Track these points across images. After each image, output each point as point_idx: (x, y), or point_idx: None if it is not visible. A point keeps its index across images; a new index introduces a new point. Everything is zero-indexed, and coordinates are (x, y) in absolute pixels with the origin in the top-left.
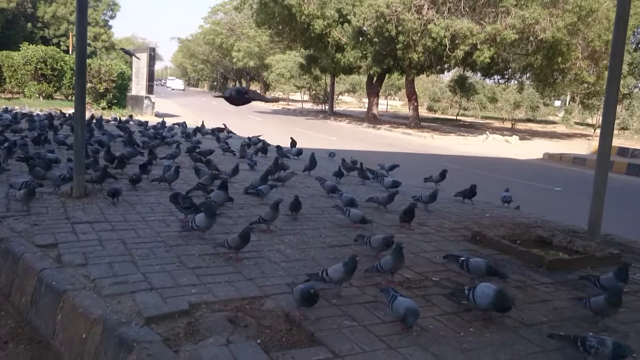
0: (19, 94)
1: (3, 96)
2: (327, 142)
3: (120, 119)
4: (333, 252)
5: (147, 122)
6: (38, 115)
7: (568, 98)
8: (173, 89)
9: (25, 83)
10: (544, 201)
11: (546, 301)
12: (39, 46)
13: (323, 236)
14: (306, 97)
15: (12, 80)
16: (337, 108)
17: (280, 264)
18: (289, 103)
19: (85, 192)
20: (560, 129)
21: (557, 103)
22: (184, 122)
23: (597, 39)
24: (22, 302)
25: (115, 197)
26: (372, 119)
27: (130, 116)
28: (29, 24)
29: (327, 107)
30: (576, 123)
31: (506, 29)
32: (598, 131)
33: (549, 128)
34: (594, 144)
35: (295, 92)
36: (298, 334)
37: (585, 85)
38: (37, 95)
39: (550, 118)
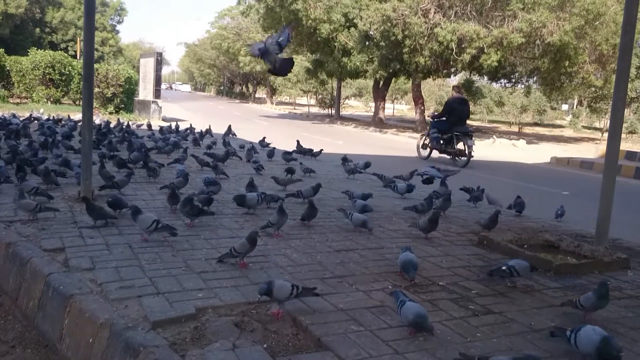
0: (27, 98)
1: (11, 101)
2: (334, 146)
3: (129, 123)
4: (339, 256)
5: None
6: (48, 119)
7: (575, 102)
8: (182, 91)
9: (33, 88)
10: (551, 205)
11: (554, 306)
12: (47, 51)
13: (329, 240)
14: (312, 102)
15: (21, 85)
16: (343, 112)
17: (286, 268)
18: (296, 107)
19: (93, 197)
20: (568, 132)
21: (565, 107)
22: (191, 125)
23: (604, 42)
24: (30, 306)
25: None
26: (378, 123)
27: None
28: (37, 29)
29: (333, 111)
30: (584, 127)
31: (513, 32)
32: (606, 135)
33: (556, 132)
34: (602, 147)
35: (302, 97)
36: (304, 338)
37: (593, 88)
38: (45, 100)
39: (558, 122)
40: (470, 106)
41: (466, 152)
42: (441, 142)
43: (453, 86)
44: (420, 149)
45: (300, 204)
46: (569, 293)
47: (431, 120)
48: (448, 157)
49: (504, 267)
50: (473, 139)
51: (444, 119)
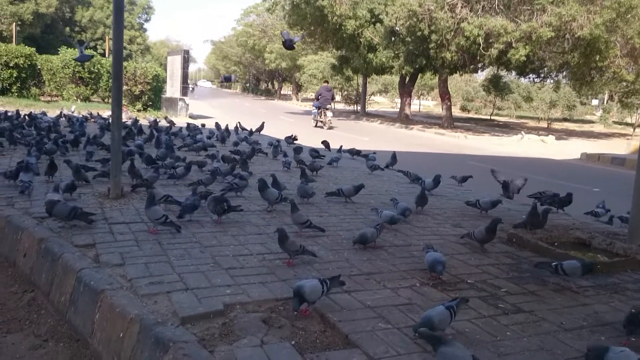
0: (57, 96)
1: (42, 99)
2: (359, 142)
3: (156, 120)
4: (366, 253)
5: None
6: (77, 117)
7: (606, 97)
8: (205, 87)
9: (63, 86)
10: (582, 202)
11: (586, 305)
12: (76, 50)
13: (355, 237)
14: (338, 98)
15: (51, 83)
16: (369, 108)
17: (313, 265)
18: None
19: (122, 193)
20: (598, 128)
21: (595, 102)
22: (216, 123)
23: (636, 36)
24: (62, 301)
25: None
26: (404, 119)
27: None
28: (67, 28)
29: (359, 108)
30: (614, 122)
31: (542, 26)
32: (638, 130)
33: (586, 127)
34: (634, 143)
35: None
36: (332, 335)
37: (624, 83)
38: (75, 98)
39: (588, 117)
40: (498, 102)
41: (326, 120)
42: (317, 115)
43: (324, 80)
44: (312, 122)
45: (329, 203)
46: (601, 292)
47: (314, 102)
48: (321, 124)
49: (554, 264)
50: (330, 112)
51: (317, 100)
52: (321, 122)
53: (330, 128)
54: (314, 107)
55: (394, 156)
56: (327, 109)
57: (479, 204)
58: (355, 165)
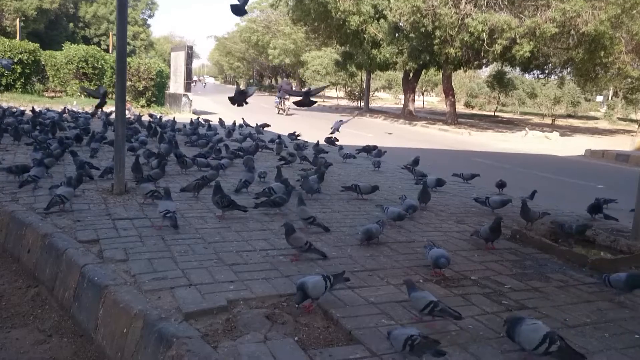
0: (61, 92)
1: (46, 95)
2: (363, 139)
3: (161, 117)
4: (369, 250)
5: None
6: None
7: (611, 93)
8: (209, 83)
9: (67, 82)
10: (586, 199)
11: (589, 302)
12: (80, 45)
13: (359, 234)
14: (342, 94)
15: (55, 79)
16: (372, 104)
17: (317, 261)
18: (325, 99)
19: (126, 189)
20: (603, 124)
21: (599, 98)
22: (220, 119)
23: None
24: (65, 297)
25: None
26: (408, 115)
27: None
28: (71, 24)
29: (362, 104)
30: (619, 119)
31: (546, 22)
32: None
33: (591, 124)
34: (638, 139)
35: (331, 89)
36: (335, 331)
37: (629, 79)
38: (79, 94)
39: (592, 114)
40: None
41: (285, 108)
42: (279, 104)
43: (285, 75)
44: (275, 110)
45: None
46: (605, 289)
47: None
48: (282, 111)
49: (603, 275)
50: (288, 100)
51: (279, 92)
52: (282, 109)
53: (289, 115)
54: (277, 97)
55: (416, 161)
56: (286, 99)
57: (489, 202)
58: (359, 161)
